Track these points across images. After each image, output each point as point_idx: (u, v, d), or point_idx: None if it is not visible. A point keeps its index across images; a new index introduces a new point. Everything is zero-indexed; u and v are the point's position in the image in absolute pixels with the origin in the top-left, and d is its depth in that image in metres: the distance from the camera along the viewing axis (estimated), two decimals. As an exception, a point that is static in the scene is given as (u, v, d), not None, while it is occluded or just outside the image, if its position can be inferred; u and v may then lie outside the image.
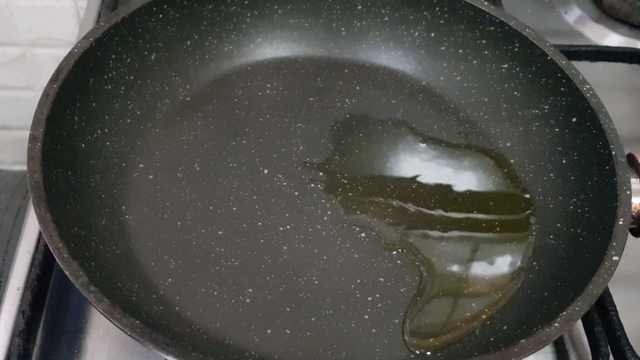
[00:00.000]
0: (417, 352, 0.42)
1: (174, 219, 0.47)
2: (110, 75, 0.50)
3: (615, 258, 0.40)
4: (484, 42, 0.54)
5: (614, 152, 0.44)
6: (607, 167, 0.44)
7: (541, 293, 0.43)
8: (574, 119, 0.48)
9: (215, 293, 0.44)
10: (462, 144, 0.53)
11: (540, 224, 0.48)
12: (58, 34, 0.81)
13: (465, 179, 0.51)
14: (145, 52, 0.52)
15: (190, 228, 0.47)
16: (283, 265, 0.45)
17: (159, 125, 0.52)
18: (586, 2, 0.73)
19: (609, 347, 0.43)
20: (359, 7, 0.57)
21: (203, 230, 0.47)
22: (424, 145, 0.53)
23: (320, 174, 0.50)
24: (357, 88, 0.56)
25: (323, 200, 0.49)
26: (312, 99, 0.55)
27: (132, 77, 0.51)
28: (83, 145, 0.47)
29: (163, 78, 0.53)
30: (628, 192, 0.42)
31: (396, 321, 0.43)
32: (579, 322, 0.45)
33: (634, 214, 0.42)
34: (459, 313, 0.44)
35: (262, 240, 0.46)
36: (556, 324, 0.37)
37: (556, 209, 0.48)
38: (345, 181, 0.50)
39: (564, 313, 0.38)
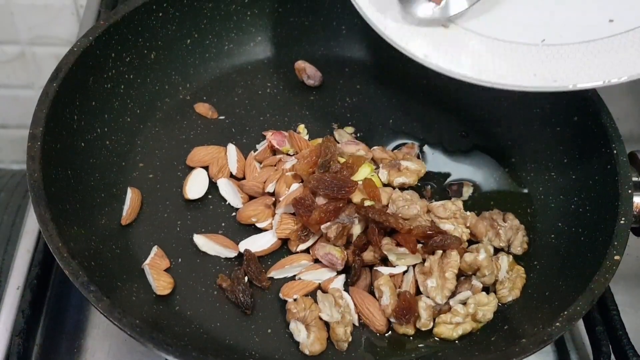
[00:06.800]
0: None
1: (174, 218, 0.47)
2: (109, 73, 0.50)
3: (616, 257, 0.40)
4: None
5: (615, 151, 0.44)
6: (609, 166, 0.44)
7: (542, 292, 0.43)
8: (575, 118, 0.48)
9: (216, 292, 0.44)
10: (463, 143, 0.53)
11: (542, 223, 0.48)
12: (58, 33, 0.81)
13: (466, 178, 0.51)
14: (145, 51, 0.52)
15: (190, 227, 0.47)
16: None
17: (158, 124, 0.52)
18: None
19: (610, 347, 0.43)
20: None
21: (203, 229, 0.47)
22: (425, 144, 0.52)
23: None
24: (358, 87, 0.56)
25: (323, 199, 0.49)
26: (312, 97, 0.55)
27: (131, 76, 0.51)
28: (82, 144, 0.47)
29: (163, 77, 0.53)
30: (630, 191, 0.42)
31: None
32: (580, 322, 0.45)
33: (635, 213, 0.42)
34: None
35: (262, 239, 0.46)
36: (557, 324, 0.37)
37: (557, 208, 0.48)
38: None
39: (566, 312, 0.38)
